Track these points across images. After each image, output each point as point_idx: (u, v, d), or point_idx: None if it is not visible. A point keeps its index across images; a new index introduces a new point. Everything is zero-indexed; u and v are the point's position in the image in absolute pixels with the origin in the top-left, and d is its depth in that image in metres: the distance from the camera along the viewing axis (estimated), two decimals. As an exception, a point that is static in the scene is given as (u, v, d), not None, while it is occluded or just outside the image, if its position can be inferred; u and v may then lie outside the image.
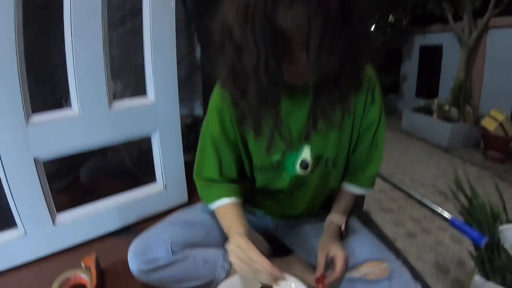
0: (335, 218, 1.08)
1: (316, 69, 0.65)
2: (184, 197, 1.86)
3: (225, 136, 1.00)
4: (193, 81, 2.29)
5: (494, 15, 5.13)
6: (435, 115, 5.40)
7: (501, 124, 4.42)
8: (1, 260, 1.36)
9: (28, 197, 1.38)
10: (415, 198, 1.74)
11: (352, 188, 1.12)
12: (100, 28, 1.41)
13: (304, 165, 1.00)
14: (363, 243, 1.04)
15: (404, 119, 6.19)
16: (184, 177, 1.82)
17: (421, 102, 6.04)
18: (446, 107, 5.28)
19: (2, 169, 1.29)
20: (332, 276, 0.96)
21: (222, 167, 1.05)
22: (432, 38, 6.59)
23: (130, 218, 1.67)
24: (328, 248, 0.99)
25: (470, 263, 1.75)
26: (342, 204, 1.12)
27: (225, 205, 1.03)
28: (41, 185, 1.39)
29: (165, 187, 1.77)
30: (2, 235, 1.38)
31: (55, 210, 1.48)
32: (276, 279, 0.85)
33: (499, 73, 5.07)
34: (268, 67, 0.66)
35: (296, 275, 0.92)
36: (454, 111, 5.20)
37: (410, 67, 7.31)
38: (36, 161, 1.36)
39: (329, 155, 1.01)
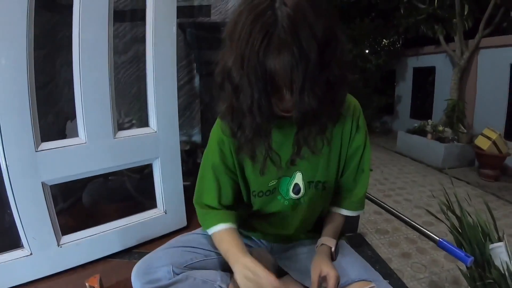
0: (326, 240, 1.15)
1: (299, 106, 0.78)
2: (183, 222, 1.93)
3: (224, 165, 1.10)
4: (192, 109, 2.38)
5: (484, 35, 5.26)
6: (429, 136, 5.48)
7: (494, 143, 4.47)
8: (8, 279, 1.42)
9: (35, 219, 1.44)
10: (404, 220, 1.78)
11: (341, 211, 1.20)
12: (106, 64, 1.51)
13: (296, 189, 1.11)
14: (351, 264, 1.11)
15: (399, 140, 6.26)
16: (183, 202, 1.90)
17: (416, 123, 6.13)
18: (440, 128, 5.37)
19: (11, 192, 1.37)
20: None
21: (221, 195, 1.13)
22: (425, 60, 6.73)
23: (132, 241, 1.73)
24: (320, 268, 1.05)
25: (465, 282, 1.79)
26: (332, 227, 1.20)
27: (222, 230, 1.10)
28: (47, 208, 1.46)
29: (165, 211, 1.84)
30: (9, 255, 1.44)
31: (60, 232, 1.55)
32: None
33: (491, 92, 5.15)
34: (260, 105, 0.78)
35: None
36: (448, 132, 5.28)
37: (404, 89, 7.43)
38: (44, 185, 1.43)
39: (319, 179, 1.11)
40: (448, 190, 1.94)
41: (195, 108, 2.38)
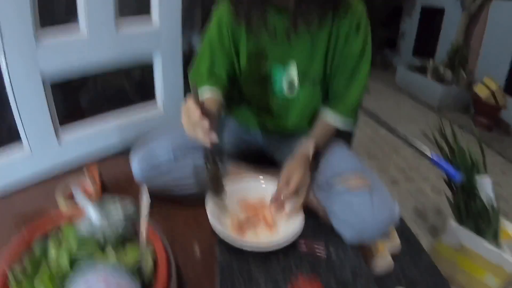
0: (305, 145, 1.17)
1: None
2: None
3: (221, 42, 1.17)
4: (193, 15, 2.32)
5: (500, -15, 5.03)
6: (429, 75, 5.44)
7: (493, 93, 4.46)
8: (8, 178, 1.41)
9: (34, 115, 1.42)
10: (399, 136, 1.82)
11: (330, 115, 1.21)
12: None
13: (290, 86, 1.17)
14: (346, 157, 1.18)
15: (398, 75, 6.23)
16: (183, 100, 1.88)
17: (417, 61, 6.06)
18: (441, 69, 5.31)
19: (10, 87, 1.32)
20: (286, 191, 1.08)
21: (214, 66, 1.20)
22: (435, 0, 6.49)
23: (131, 139, 1.70)
24: (288, 169, 1.11)
25: (447, 213, 1.88)
26: (317, 131, 1.21)
27: (208, 98, 1.13)
28: (47, 103, 1.44)
29: (165, 110, 1.84)
30: (8, 153, 1.42)
31: (60, 129, 1.54)
32: (207, 135, 0.91)
33: (498, 43, 5.01)
34: None
35: None
36: (448, 74, 5.23)
37: (410, 26, 7.18)
38: (44, 80, 1.39)
39: (314, 75, 1.15)
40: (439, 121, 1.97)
41: (196, 14, 2.32)
